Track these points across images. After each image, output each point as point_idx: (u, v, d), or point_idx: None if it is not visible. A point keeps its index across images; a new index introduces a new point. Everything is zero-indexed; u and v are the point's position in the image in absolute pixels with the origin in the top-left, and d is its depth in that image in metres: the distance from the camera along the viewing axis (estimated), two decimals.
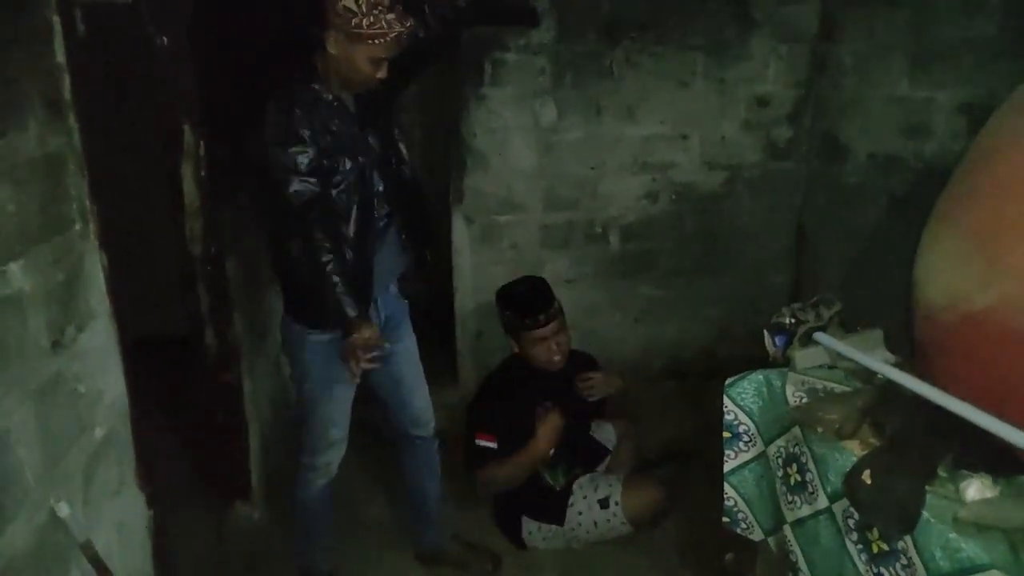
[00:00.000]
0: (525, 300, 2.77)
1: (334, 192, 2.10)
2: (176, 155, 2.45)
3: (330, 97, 2.09)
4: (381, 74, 2.05)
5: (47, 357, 1.46)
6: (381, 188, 2.20)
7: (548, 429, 2.68)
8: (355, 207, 2.13)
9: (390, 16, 1.97)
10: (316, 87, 2.08)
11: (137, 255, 2.55)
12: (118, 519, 1.76)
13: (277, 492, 2.91)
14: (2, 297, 1.31)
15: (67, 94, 1.57)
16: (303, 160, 2.01)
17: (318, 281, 2.06)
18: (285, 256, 2.14)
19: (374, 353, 2.13)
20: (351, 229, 2.13)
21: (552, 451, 2.73)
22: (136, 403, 1.84)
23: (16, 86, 1.39)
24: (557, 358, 2.74)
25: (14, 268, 1.35)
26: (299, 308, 2.24)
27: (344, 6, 1.94)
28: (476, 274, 3.60)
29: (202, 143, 2.46)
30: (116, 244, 1.75)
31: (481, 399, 2.83)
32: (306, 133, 2.02)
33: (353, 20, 1.94)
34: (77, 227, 1.60)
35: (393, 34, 1.98)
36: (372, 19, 1.95)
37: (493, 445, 2.66)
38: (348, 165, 2.11)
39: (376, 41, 1.98)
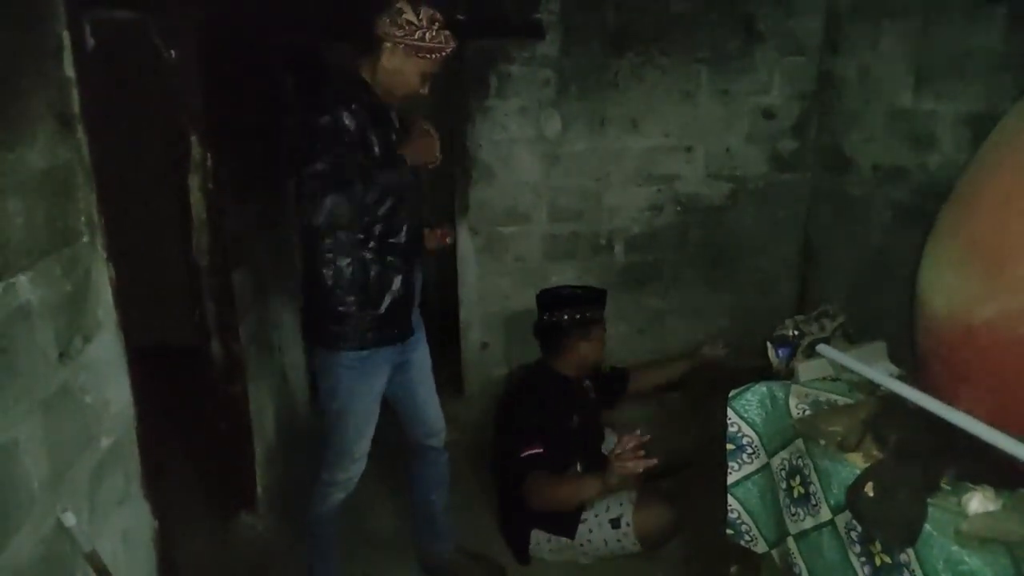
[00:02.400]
0: (592, 296, 2.92)
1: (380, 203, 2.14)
2: (184, 167, 2.47)
3: (375, 104, 2.15)
4: (424, 90, 2.16)
5: (54, 368, 1.47)
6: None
7: (620, 471, 2.39)
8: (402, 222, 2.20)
9: (447, 32, 2.08)
10: (368, 94, 2.14)
11: (144, 266, 2.56)
12: (123, 528, 1.77)
13: (282, 502, 2.91)
14: (11, 309, 1.32)
15: (76, 108, 1.59)
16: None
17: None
18: (318, 272, 2.17)
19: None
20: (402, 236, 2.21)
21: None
22: (142, 413, 1.85)
23: (26, 100, 1.41)
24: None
25: (23, 280, 1.36)
26: (324, 331, 2.24)
27: (407, 19, 2.03)
28: (481, 285, 3.61)
29: (209, 155, 2.48)
30: (124, 255, 1.76)
31: (519, 414, 2.83)
32: (363, 133, 2.08)
33: (416, 33, 2.04)
34: (85, 239, 1.61)
35: (448, 49, 2.10)
36: (433, 33, 2.06)
37: (540, 450, 2.65)
38: (395, 178, 2.15)
39: (433, 56, 2.08)
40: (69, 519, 1.45)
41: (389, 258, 2.19)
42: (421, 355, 2.45)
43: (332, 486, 2.37)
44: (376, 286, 2.18)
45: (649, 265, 3.75)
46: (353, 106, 2.05)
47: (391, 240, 2.18)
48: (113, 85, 2.60)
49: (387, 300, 2.20)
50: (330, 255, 2.14)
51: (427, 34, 2.05)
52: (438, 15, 2.07)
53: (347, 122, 2.03)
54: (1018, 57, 2.55)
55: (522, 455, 2.67)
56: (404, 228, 2.20)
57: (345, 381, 2.24)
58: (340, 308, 2.18)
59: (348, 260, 2.15)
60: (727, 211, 3.72)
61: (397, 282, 2.21)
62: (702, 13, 3.41)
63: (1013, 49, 2.58)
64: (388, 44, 2.06)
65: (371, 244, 2.16)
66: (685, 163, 3.63)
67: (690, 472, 3.15)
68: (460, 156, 3.46)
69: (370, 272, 2.17)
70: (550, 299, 2.94)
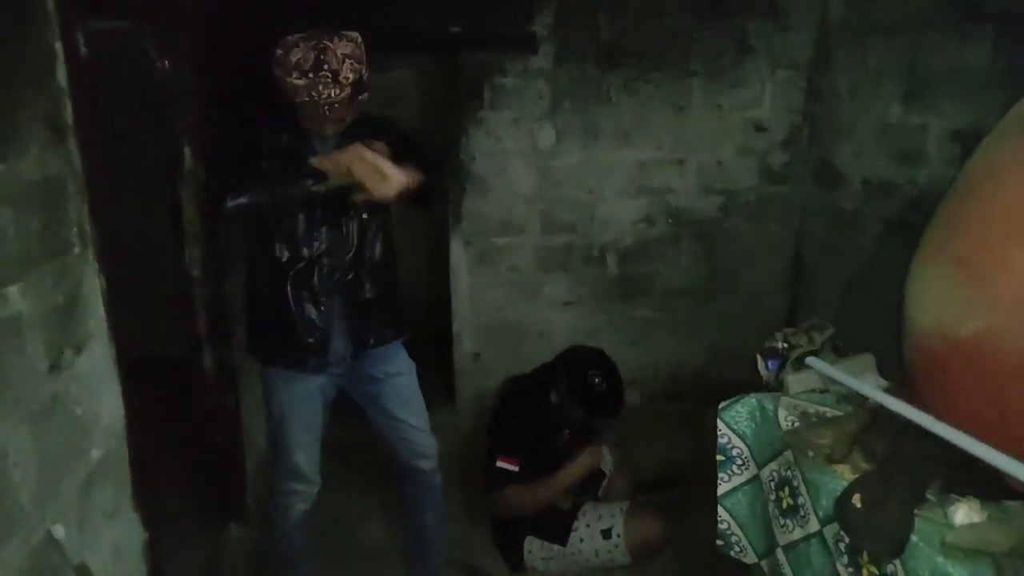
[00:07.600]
0: (613, 403, 2.78)
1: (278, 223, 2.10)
2: (176, 178, 2.47)
3: (304, 130, 2.09)
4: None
5: (45, 379, 1.47)
6: (322, 246, 2.14)
7: (584, 466, 2.76)
8: (291, 245, 2.12)
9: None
10: (292, 126, 2.09)
11: (136, 276, 2.56)
12: (114, 541, 1.76)
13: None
14: (1, 320, 1.32)
15: (69, 118, 1.58)
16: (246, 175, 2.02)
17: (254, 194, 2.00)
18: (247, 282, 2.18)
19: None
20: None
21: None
22: (133, 424, 1.85)
23: (19, 111, 1.40)
24: None
25: (13, 291, 1.36)
26: (254, 342, 2.26)
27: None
28: (474, 296, 3.62)
29: (202, 166, 2.48)
30: (115, 265, 1.76)
31: (505, 420, 2.84)
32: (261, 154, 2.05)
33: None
34: (76, 250, 1.61)
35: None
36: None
37: (515, 468, 2.66)
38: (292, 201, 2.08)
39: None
40: (59, 532, 1.44)
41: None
42: (395, 381, 2.38)
43: (288, 496, 2.35)
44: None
45: (641, 277, 3.76)
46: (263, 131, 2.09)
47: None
48: (106, 95, 2.60)
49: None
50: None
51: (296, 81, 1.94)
52: (316, 61, 1.92)
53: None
54: (1004, 74, 2.58)
55: (497, 464, 2.68)
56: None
57: (273, 397, 2.27)
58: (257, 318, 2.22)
59: None
60: (718, 224, 3.75)
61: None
62: (695, 28, 3.45)
63: (999, 66, 2.61)
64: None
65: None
66: (677, 176, 3.65)
67: (683, 485, 3.15)
68: (454, 167, 3.47)
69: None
70: (585, 387, 2.76)
